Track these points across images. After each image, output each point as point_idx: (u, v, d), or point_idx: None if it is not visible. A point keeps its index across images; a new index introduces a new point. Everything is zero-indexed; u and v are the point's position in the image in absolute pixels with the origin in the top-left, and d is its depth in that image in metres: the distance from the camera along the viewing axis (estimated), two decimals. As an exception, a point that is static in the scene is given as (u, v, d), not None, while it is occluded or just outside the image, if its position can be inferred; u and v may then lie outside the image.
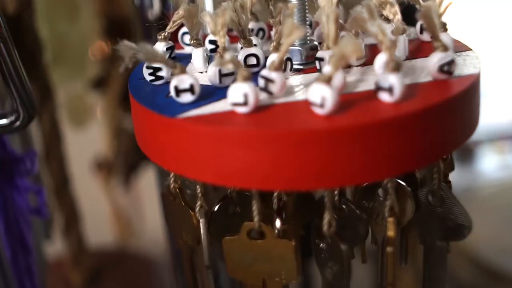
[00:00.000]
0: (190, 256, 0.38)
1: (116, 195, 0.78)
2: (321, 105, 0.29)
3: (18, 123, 0.42)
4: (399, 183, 0.35)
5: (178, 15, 0.36)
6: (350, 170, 0.29)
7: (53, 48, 0.66)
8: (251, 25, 0.39)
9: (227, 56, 0.30)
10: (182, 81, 0.31)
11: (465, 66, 0.33)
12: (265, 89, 0.31)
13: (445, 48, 0.32)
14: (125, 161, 0.77)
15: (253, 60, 0.34)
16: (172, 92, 0.31)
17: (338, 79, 0.30)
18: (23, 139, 0.60)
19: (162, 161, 0.32)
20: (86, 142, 0.74)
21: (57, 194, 0.65)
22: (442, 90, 0.31)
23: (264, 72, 0.31)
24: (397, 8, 0.35)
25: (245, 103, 0.30)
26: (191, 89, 0.31)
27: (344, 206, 0.34)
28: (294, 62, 0.35)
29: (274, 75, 0.31)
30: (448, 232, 0.35)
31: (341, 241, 0.31)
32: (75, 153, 0.70)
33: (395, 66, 0.29)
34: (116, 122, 0.75)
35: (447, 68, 0.31)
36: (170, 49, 0.37)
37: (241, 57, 0.34)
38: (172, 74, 0.32)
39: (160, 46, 0.36)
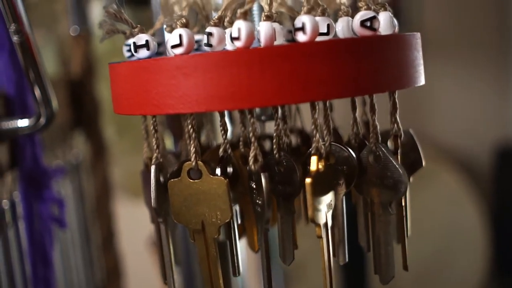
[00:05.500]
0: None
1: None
2: (238, 38, 0.33)
3: (39, 124, 0.48)
4: (344, 147, 0.37)
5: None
6: (261, 91, 0.32)
7: (118, 123, 0.75)
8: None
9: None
10: (139, 38, 0.37)
11: (398, 33, 0.36)
12: (207, 44, 0.36)
13: (368, 7, 0.35)
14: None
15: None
16: (132, 48, 0.37)
17: (264, 27, 0.33)
18: (74, 189, 0.67)
19: (119, 108, 0.37)
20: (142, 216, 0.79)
21: (102, 247, 0.69)
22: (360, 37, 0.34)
23: (207, 28, 0.36)
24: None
25: (180, 44, 0.34)
26: (146, 45, 0.37)
27: (283, 160, 0.37)
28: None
29: (213, 29, 0.35)
30: (388, 191, 0.36)
31: (262, 172, 0.34)
32: (130, 225, 0.75)
33: (309, 9, 0.33)
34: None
35: (369, 23, 0.35)
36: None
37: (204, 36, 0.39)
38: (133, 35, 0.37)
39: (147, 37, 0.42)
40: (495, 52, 1.26)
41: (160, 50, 0.42)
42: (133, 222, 0.76)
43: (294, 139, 0.44)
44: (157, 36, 0.43)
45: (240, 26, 0.33)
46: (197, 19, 0.42)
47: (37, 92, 0.47)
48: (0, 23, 0.47)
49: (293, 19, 0.41)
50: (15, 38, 0.45)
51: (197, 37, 0.41)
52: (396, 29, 0.37)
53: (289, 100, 0.33)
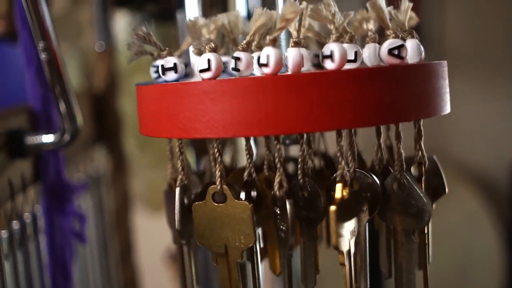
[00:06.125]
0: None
1: None
2: (267, 65, 0.33)
3: (63, 140, 0.49)
4: (368, 174, 0.37)
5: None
6: (287, 118, 0.32)
7: (139, 137, 0.75)
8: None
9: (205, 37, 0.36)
10: (167, 61, 0.37)
11: (425, 60, 0.36)
12: (235, 68, 0.36)
13: (396, 36, 0.35)
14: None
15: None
16: (160, 71, 0.37)
17: (292, 53, 0.34)
18: (95, 203, 0.67)
19: (145, 129, 0.37)
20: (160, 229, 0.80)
21: (120, 260, 0.70)
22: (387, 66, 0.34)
23: (235, 53, 0.36)
24: (372, 22, 0.39)
25: (208, 68, 0.35)
26: (174, 68, 0.37)
27: (307, 185, 0.37)
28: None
29: (241, 54, 0.36)
30: (412, 219, 0.36)
31: (287, 198, 0.34)
32: (148, 239, 0.75)
33: (338, 37, 0.34)
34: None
35: (397, 52, 0.35)
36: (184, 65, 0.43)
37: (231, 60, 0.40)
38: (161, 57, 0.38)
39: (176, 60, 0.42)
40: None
41: (187, 71, 0.42)
42: (151, 236, 0.76)
43: (317, 162, 0.44)
44: (183, 56, 0.43)
45: (269, 53, 0.33)
46: (224, 41, 0.43)
47: (63, 108, 0.48)
48: (29, 39, 0.48)
49: (319, 43, 0.41)
50: (43, 56, 0.46)
51: (223, 59, 0.41)
52: (423, 56, 0.37)
53: (315, 128, 0.33)
